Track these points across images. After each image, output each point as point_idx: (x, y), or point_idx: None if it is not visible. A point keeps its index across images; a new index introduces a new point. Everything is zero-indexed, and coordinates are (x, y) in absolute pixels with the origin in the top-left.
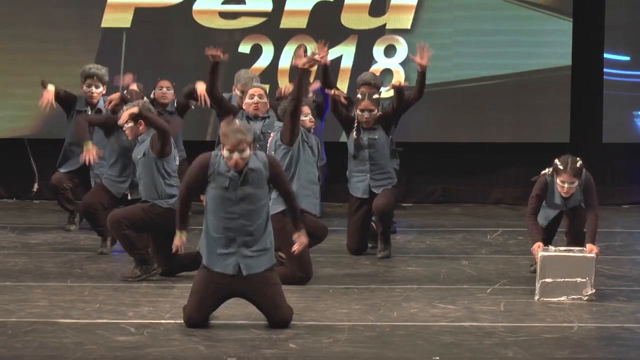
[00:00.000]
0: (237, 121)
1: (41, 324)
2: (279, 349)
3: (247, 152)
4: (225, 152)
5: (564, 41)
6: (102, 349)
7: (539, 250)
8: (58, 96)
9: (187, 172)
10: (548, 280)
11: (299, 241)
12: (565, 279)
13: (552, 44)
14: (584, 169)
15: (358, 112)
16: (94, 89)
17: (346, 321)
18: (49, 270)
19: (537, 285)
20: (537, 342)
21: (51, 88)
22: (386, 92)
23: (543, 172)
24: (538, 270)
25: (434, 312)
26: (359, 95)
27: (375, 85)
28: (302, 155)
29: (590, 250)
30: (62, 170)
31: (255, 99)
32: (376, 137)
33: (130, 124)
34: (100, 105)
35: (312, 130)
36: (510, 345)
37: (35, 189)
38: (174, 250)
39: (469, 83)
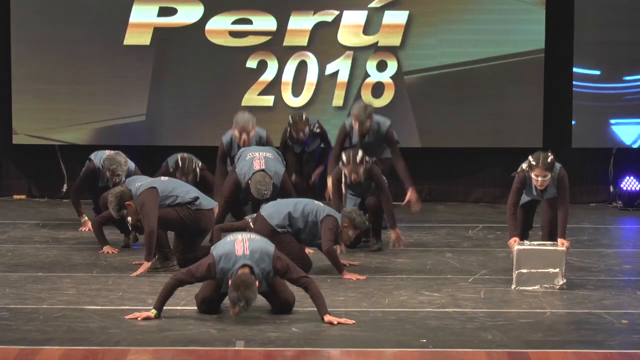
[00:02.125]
0: (242, 285)
1: (70, 310)
2: (282, 332)
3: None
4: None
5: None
6: (125, 333)
7: (515, 245)
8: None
9: (196, 272)
10: (523, 271)
11: (331, 320)
12: (539, 270)
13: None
14: (555, 163)
15: (345, 172)
16: (117, 179)
17: (343, 307)
18: (77, 262)
19: (514, 276)
20: (514, 326)
21: (85, 219)
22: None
23: (521, 167)
24: (514, 262)
25: (422, 299)
26: (344, 157)
27: (363, 120)
28: (313, 229)
29: (561, 244)
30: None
31: (244, 136)
32: (363, 182)
33: (124, 212)
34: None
35: None
36: (489, 329)
37: (64, 190)
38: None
39: (453, 94)
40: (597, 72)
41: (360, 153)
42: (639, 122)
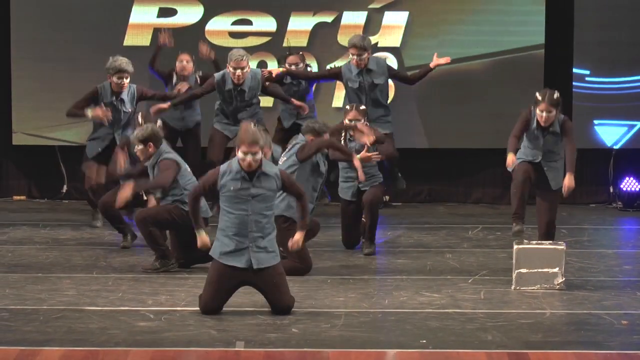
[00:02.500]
0: (252, 125)
1: (70, 311)
2: (283, 333)
3: (259, 155)
4: (240, 154)
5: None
6: (125, 334)
7: (513, 162)
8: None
9: (200, 180)
10: (523, 270)
11: (295, 239)
12: (539, 270)
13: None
14: (561, 102)
15: (346, 121)
16: (124, 80)
17: (342, 308)
18: (76, 263)
19: (513, 276)
20: (514, 327)
21: (89, 113)
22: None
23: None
24: (514, 262)
25: (421, 300)
26: (347, 107)
27: (362, 47)
28: (308, 173)
29: (568, 179)
30: (89, 156)
31: (238, 72)
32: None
33: (140, 147)
34: (124, 95)
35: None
36: (489, 330)
37: (64, 190)
38: (199, 245)
39: (454, 95)
40: (596, 72)
41: (364, 106)
42: (626, 123)
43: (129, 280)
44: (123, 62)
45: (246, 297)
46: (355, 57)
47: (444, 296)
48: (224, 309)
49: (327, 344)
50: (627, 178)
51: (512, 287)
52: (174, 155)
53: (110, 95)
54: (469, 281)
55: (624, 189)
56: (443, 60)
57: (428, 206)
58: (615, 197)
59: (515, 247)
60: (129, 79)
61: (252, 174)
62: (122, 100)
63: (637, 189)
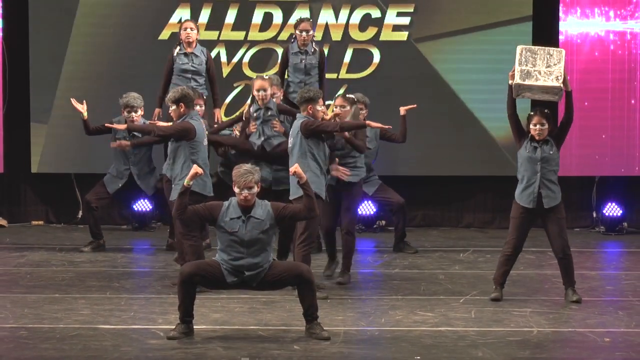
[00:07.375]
0: (244, 165)
1: (84, 329)
2: (285, 350)
3: (255, 189)
4: (236, 189)
5: None
6: (136, 351)
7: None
8: (95, 128)
9: (203, 205)
10: (526, 67)
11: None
12: (540, 66)
13: None
14: (551, 117)
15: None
16: (132, 115)
17: (342, 326)
18: (91, 284)
19: (516, 73)
20: (503, 344)
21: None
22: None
23: None
24: (517, 58)
25: (416, 318)
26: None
27: (363, 102)
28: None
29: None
30: (111, 192)
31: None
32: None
33: (173, 107)
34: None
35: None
36: (480, 347)
37: (79, 216)
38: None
39: (445, 124)
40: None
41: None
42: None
43: (140, 301)
44: (131, 97)
45: (251, 316)
46: (365, 110)
47: (437, 315)
48: (228, 327)
49: None
50: (609, 204)
51: (515, 81)
52: (197, 123)
53: (123, 130)
54: (461, 301)
55: (607, 214)
56: (410, 106)
57: (422, 230)
58: (598, 221)
59: (518, 47)
60: (139, 113)
61: (247, 211)
62: (134, 136)
63: (619, 214)
